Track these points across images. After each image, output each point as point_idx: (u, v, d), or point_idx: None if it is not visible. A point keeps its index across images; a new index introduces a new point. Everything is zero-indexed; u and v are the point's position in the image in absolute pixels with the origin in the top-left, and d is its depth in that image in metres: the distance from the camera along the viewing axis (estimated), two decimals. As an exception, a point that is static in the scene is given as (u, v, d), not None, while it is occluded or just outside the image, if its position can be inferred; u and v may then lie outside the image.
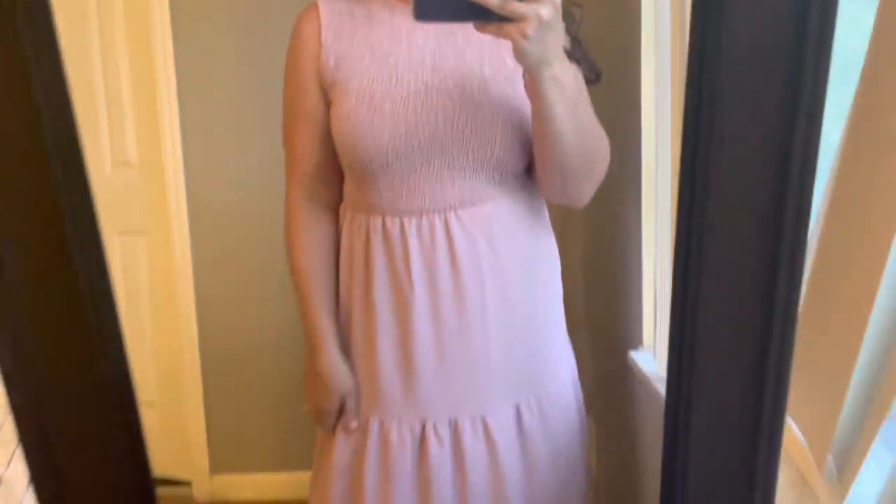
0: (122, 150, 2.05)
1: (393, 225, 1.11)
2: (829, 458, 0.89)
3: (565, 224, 1.97)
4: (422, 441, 1.14)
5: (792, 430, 0.96)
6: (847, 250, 0.86)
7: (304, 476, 2.26)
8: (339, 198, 1.22)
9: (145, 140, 2.04)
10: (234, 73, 2.03)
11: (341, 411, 1.19)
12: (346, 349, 1.18)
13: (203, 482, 2.33)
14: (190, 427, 2.28)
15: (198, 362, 2.24)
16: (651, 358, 1.53)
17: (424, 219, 1.10)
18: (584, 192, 1.11)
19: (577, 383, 1.27)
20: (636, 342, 1.56)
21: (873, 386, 0.83)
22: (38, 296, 0.72)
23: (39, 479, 0.76)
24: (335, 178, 1.19)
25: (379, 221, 1.12)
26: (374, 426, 1.15)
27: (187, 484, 2.32)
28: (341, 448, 1.18)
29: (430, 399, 1.13)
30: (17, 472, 1.24)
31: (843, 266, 0.87)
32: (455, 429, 1.13)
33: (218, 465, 2.33)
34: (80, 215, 0.69)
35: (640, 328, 1.54)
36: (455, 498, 1.14)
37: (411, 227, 1.10)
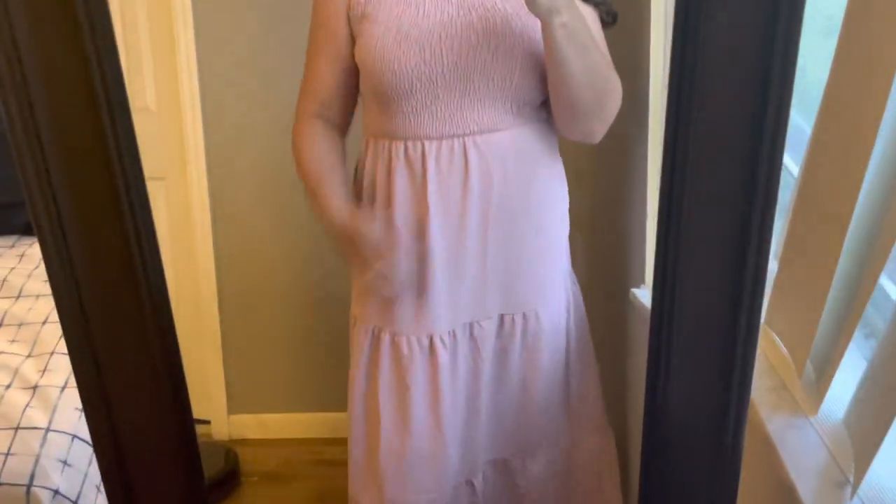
0: (141, 97, 2.09)
1: (415, 149, 1.16)
2: (808, 364, 0.93)
3: (577, 163, 2.00)
4: (431, 351, 1.21)
5: (774, 341, 1.00)
6: (827, 172, 0.89)
7: (317, 416, 2.35)
8: (347, 122, 1.27)
9: (164, 86, 2.08)
10: (253, 19, 2.04)
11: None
12: (361, 272, 1.23)
13: (222, 421, 2.40)
14: (209, 369, 2.34)
15: (215, 306, 2.28)
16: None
17: (444, 143, 1.15)
18: (596, 130, 1.18)
19: (578, 314, 1.32)
20: (638, 280, 1.59)
21: (848, 297, 0.87)
22: (89, 223, 0.78)
23: (85, 387, 0.83)
24: (346, 106, 1.25)
25: (401, 146, 1.17)
26: (386, 338, 1.22)
27: (207, 423, 2.39)
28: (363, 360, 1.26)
29: (438, 313, 1.21)
30: (51, 380, 1.31)
31: (823, 189, 0.90)
32: (454, 338, 1.22)
33: (236, 405, 2.39)
34: (127, 154, 0.75)
35: (643, 266, 1.57)
36: (451, 400, 1.23)
37: (431, 150, 1.15)
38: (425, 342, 1.22)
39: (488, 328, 1.24)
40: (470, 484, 1.33)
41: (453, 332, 1.23)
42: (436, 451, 1.25)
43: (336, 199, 1.19)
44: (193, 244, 2.20)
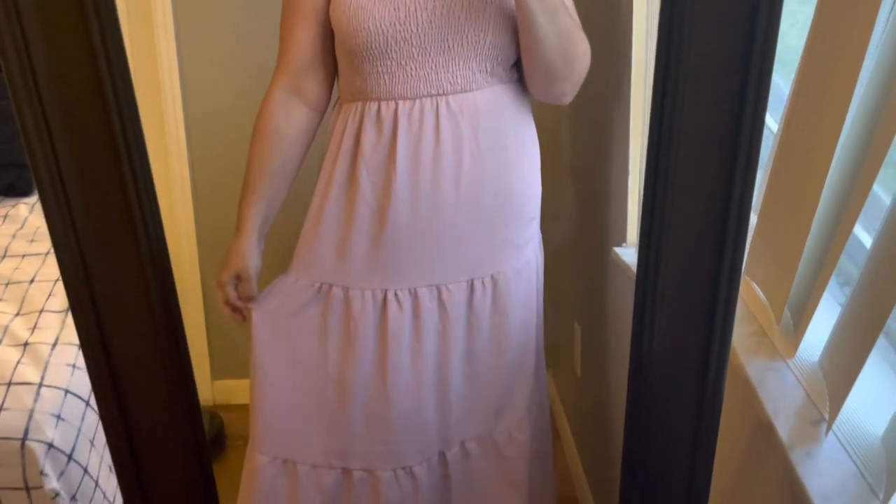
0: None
1: (387, 110, 1.17)
2: (786, 311, 0.97)
3: (557, 124, 2.02)
4: (383, 307, 1.22)
5: (754, 289, 1.04)
6: (805, 129, 0.92)
7: (301, 381, 2.37)
8: (324, 98, 1.26)
9: (138, 29, 2.00)
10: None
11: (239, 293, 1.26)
12: (315, 222, 1.23)
13: (206, 387, 2.41)
14: (192, 336, 2.33)
15: (197, 273, 2.28)
16: (634, 254, 1.60)
17: (417, 103, 1.16)
18: (566, 92, 1.21)
19: (540, 278, 1.35)
20: (620, 239, 1.63)
21: (824, 247, 0.91)
22: (87, 171, 0.79)
23: (85, 336, 0.84)
24: (324, 76, 1.24)
25: (374, 106, 1.18)
26: (337, 293, 1.23)
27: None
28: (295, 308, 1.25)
29: (395, 269, 1.22)
30: (41, 338, 1.32)
31: (801, 145, 0.94)
32: (415, 296, 1.22)
33: (219, 371, 2.40)
34: (125, 103, 0.76)
35: (625, 226, 1.60)
36: (410, 361, 1.23)
37: (404, 110, 1.17)
38: (379, 297, 1.22)
39: (458, 294, 1.25)
40: (442, 455, 1.34)
41: (414, 290, 1.23)
42: (383, 410, 1.26)
43: (249, 216, 1.23)
44: (173, 206, 2.18)
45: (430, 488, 1.32)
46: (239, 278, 1.24)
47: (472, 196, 1.20)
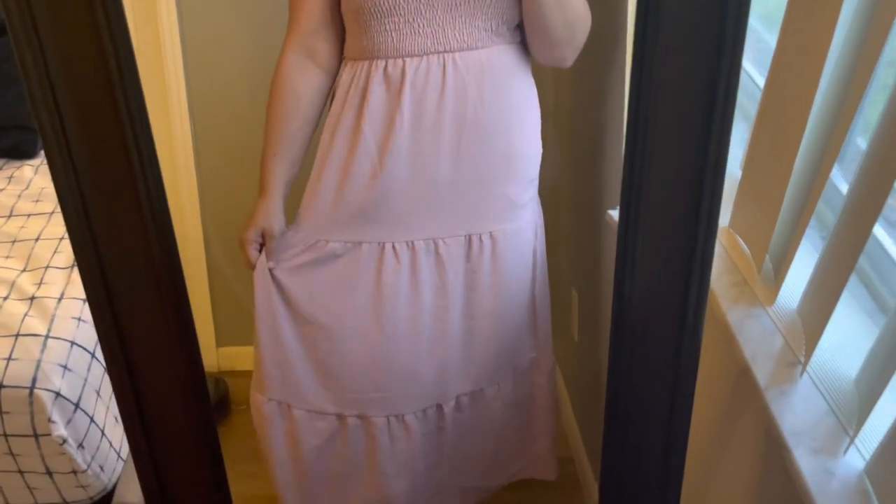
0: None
1: (395, 67, 1.19)
2: (767, 260, 1.00)
3: (554, 88, 2.03)
4: (380, 259, 1.26)
5: (737, 242, 1.06)
6: (786, 83, 0.95)
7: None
8: (335, 60, 1.29)
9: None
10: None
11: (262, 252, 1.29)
12: (318, 176, 1.26)
13: (211, 354, 2.45)
14: (196, 304, 2.35)
15: (201, 240, 2.31)
16: (628, 217, 1.62)
17: (424, 60, 1.19)
18: (567, 56, 1.24)
19: (540, 238, 1.37)
20: (614, 202, 1.65)
21: (804, 198, 0.93)
22: (87, 120, 0.82)
23: (94, 299, 0.87)
24: (334, 37, 1.27)
25: (381, 64, 1.20)
26: (336, 246, 1.26)
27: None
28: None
29: (393, 221, 1.25)
30: (47, 292, 1.36)
31: (783, 98, 0.96)
32: (412, 250, 1.25)
33: (224, 338, 2.44)
34: (122, 52, 0.79)
35: (619, 189, 1.62)
36: (407, 312, 1.27)
37: (411, 67, 1.19)
38: (376, 249, 1.25)
39: (455, 248, 1.27)
40: (440, 408, 1.38)
41: (411, 243, 1.26)
42: (377, 359, 1.29)
43: (273, 177, 1.26)
44: (177, 177, 2.19)
45: (423, 437, 1.36)
46: (264, 237, 1.27)
47: (472, 152, 1.23)
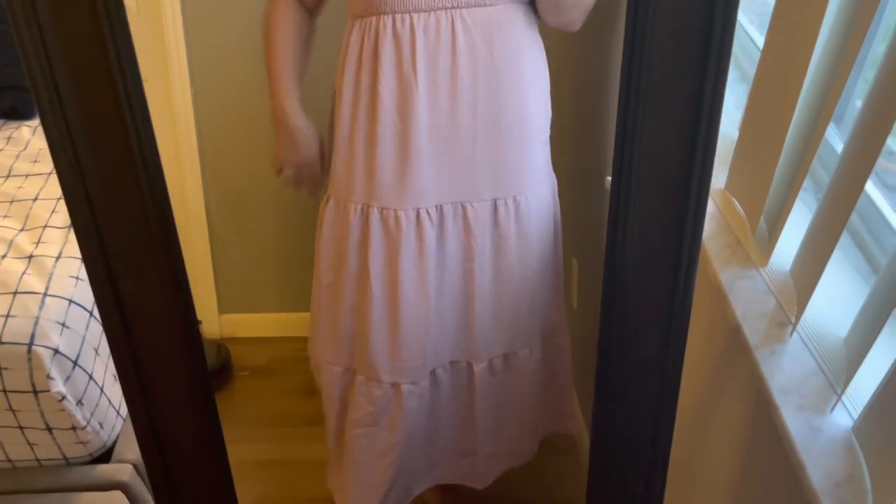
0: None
1: (402, 23, 1.18)
2: (762, 221, 1.00)
3: (561, 56, 2.02)
4: (417, 225, 1.26)
5: (732, 204, 1.06)
6: (783, 44, 0.94)
7: (304, 316, 2.38)
8: (318, 5, 1.31)
9: None
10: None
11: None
12: (348, 145, 1.27)
13: (213, 321, 2.47)
14: (199, 271, 2.39)
15: (203, 209, 2.31)
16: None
17: (432, 15, 1.17)
18: (575, 19, 1.23)
19: (556, 203, 1.38)
20: (614, 169, 1.64)
21: (799, 159, 0.93)
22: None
23: (89, 257, 0.88)
24: None
25: (389, 20, 1.19)
26: (374, 213, 1.27)
27: (198, 322, 2.46)
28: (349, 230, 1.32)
29: (422, 187, 1.25)
30: (45, 251, 1.36)
31: (779, 59, 0.95)
32: (440, 213, 1.26)
33: (226, 305, 2.46)
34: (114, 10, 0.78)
35: (618, 157, 1.62)
36: (437, 273, 1.28)
37: (419, 23, 1.18)
38: (412, 215, 1.26)
39: (483, 212, 1.28)
40: (469, 367, 1.40)
41: (440, 207, 1.27)
42: (422, 322, 1.32)
43: (289, 97, 1.29)
44: (178, 146, 2.21)
45: (452, 390, 1.39)
46: (301, 166, 1.33)
47: (489, 113, 1.23)
